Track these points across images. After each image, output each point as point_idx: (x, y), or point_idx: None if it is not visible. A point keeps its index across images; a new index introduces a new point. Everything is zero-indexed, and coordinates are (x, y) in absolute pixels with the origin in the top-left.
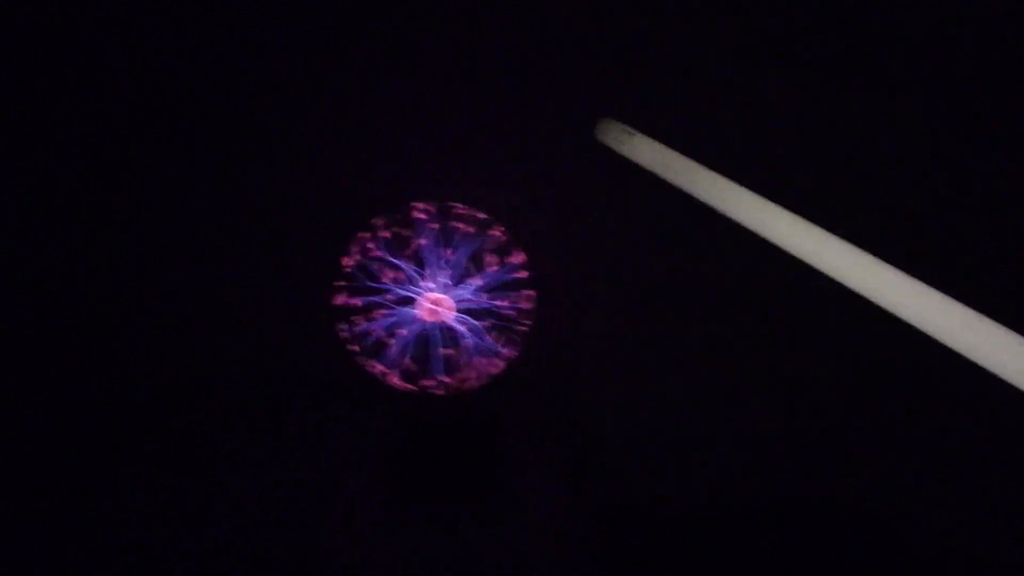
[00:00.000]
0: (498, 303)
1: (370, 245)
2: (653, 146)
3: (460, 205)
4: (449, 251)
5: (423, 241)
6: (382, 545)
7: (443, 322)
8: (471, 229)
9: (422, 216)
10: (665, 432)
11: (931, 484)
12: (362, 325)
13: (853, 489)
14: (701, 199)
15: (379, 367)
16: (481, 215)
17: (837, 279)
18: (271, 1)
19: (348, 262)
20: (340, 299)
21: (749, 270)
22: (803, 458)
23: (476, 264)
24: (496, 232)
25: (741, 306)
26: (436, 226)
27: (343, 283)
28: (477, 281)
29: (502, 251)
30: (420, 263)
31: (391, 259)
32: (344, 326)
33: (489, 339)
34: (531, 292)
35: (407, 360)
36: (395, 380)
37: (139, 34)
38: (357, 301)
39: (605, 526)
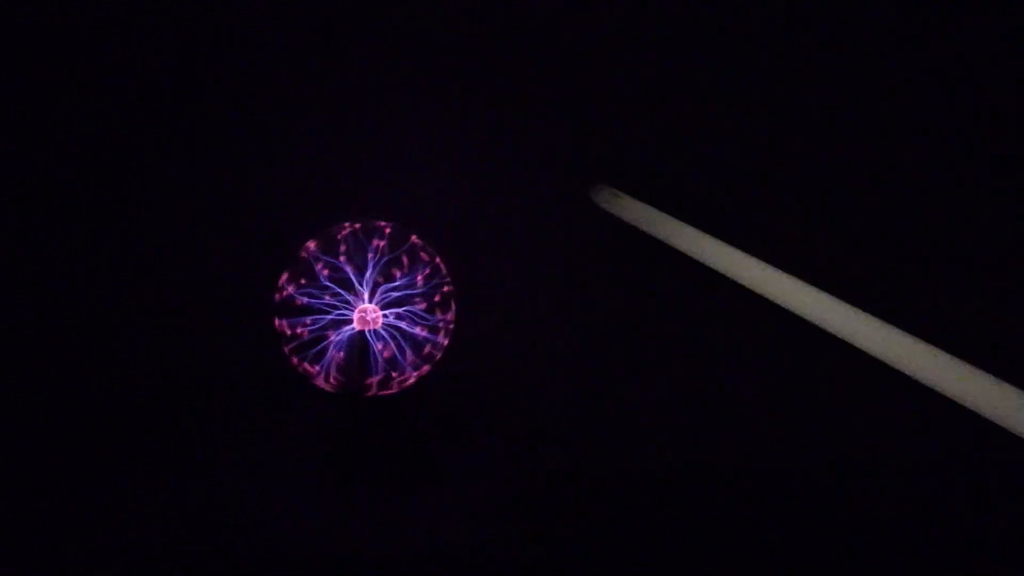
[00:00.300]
0: (423, 310)
1: (309, 260)
2: (639, 206)
3: (388, 223)
4: (377, 265)
5: (356, 259)
6: (333, 528)
7: (374, 330)
8: (398, 246)
9: (353, 234)
10: (586, 415)
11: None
12: (303, 337)
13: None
14: (681, 249)
15: (320, 375)
16: (416, 240)
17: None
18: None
19: (287, 285)
20: (280, 320)
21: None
22: (737, 432)
23: (403, 275)
24: (419, 246)
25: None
26: (376, 243)
27: (282, 303)
28: (405, 291)
29: (427, 264)
30: (353, 277)
31: (329, 274)
32: (287, 340)
33: (417, 342)
34: (453, 301)
35: (343, 366)
36: (333, 384)
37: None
38: (297, 318)
39: (537, 510)
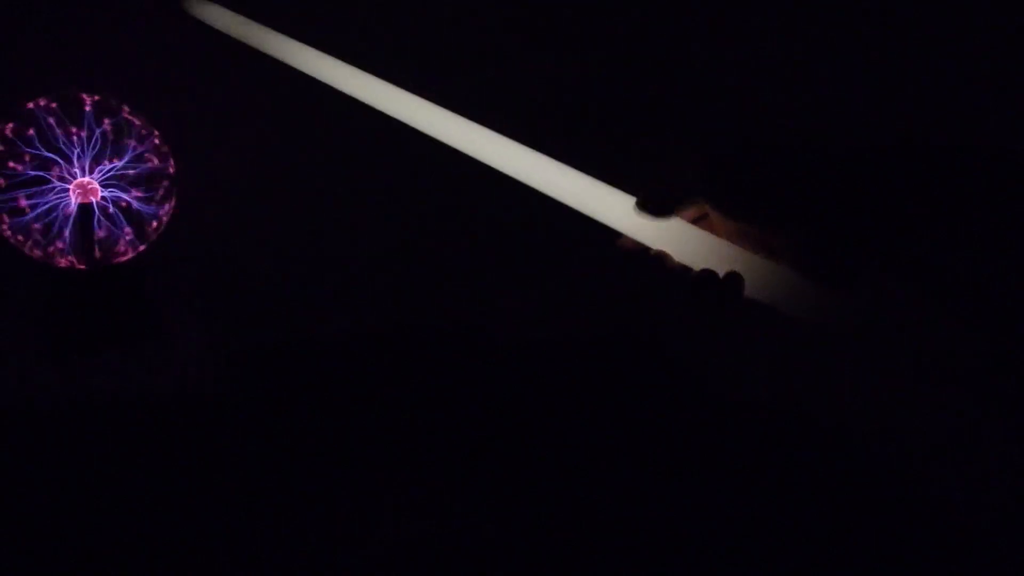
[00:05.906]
0: (139, 182)
1: (11, 135)
2: (228, 13)
3: (92, 94)
4: (85, 134)
5: (63, 130)
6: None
7: (91, 203)
8: (105, 114)
9: (54, 105)
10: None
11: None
12: (22, 217)
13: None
14: (274, 56)
15: (39, 251)
16: (116, 103)
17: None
18: None
19: None
20: None
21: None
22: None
23: (116, 147)
24: (127, 115)
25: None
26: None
27: None
28: (118, 162)
29: (137, 133)
30: (64, 150)
31: (36, 149)
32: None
33: (135, 213)
34: (170, 170)
35: (64, 241)
36: (59, 262)
37: None
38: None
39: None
